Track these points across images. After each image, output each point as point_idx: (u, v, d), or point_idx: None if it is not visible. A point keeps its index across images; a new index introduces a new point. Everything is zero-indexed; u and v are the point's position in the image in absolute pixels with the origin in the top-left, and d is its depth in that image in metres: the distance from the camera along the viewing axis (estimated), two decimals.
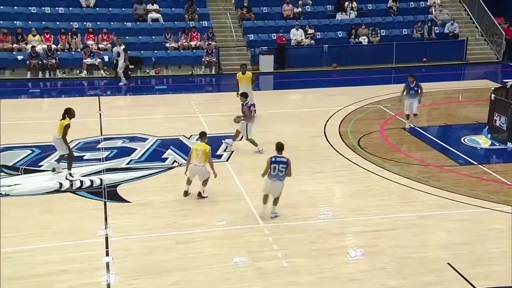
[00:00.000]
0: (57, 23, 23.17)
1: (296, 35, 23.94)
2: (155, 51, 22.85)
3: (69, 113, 11.94)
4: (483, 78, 22.55)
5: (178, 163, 12.78)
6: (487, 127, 15.18)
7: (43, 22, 23.04)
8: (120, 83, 20.86)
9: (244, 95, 13.73)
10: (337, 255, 9.04)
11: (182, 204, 10.84)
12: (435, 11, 26.11)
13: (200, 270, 8.52)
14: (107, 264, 8.72)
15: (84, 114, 16.94)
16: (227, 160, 13.14)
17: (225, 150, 13.56)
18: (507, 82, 16.55)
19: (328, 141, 14.50)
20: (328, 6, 26.08)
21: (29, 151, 13.33)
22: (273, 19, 25.02)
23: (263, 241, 9.43)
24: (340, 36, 24.77)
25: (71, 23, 23.18)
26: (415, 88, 15.28)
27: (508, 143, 14.17)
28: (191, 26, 23.73)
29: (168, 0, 25.12)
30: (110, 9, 24.27)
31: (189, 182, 11.06)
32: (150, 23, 24.07)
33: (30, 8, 23.51)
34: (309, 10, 25.73)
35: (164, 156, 13.35)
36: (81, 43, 22.50)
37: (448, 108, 17.82)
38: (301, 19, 24.86)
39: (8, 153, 13.31)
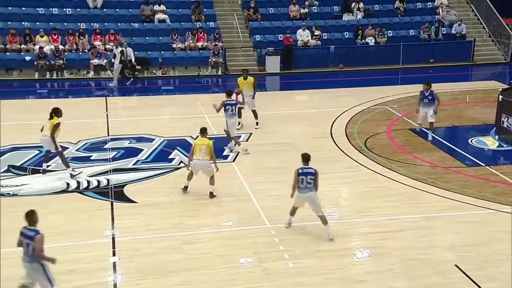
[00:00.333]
0: (65, 24, 23.28)
1: (303, 36, 23.92)
2: (162, 52, 22.93)
3: (57, 112, 12.16)
4: (490, 79, 22.46)
5: (185, 164, 12.80)
6: (494, 128, 15.11)
7: (51, 23, 23.15)
8: (111, 84, 20.86)
9: (229, 93, 13.83)
10: (343, 256, 9.03)
11: (188, 204, 10.87)
12: (442, 11, 26.00)
13: (207, 271, 8.54)
14: (114, 264, 8.76)
15: (91, 115, 17.08)
16: (233, 161, 13.15)
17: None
18: None
19: (334, 142, 14.48)
20: (334, 7, 26.04)
21: (37, 151, 13.38)
22: (280, 20, 25.02)
23: (270, 242, 9.43)
24: (346, 37, 24.73)
25: (79, 24, 23.28)
26: (429, 97, 14.30)
27: None
28: (198, 27, 23.77)
29: (175, 1, 25.19)
30: (117, 10, 24.36)
31: (189, 177, 11.14)
32: (157, 24, 24.13)
33: (38, 9, 23.64)
34: (315, 11, 25.71)
35: (171, 156, 13.39)
36: (88, 43, 22.60)
37: (456, 109, 17.75)
38: (308, 20, 24.84)
39: (15, 153, 13.38)
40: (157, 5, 24.36)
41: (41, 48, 21.46)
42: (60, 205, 10.87)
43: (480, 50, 25.19)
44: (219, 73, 22.69)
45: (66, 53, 22.11)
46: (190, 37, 23.44)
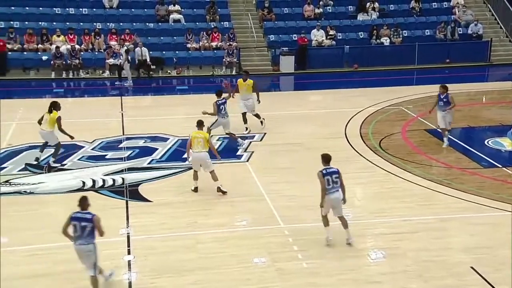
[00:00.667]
0: (81, 23, 23.50)
1: (317, 35, 23.87)
2: (177, 52, 23.03)
3: (55, 106, 12.53)
4: (507, 80, 22.20)
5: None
6: (511, 129, 14.94)
7: (67, 23, 23.39)
8: (126, 84, 20.93)
9: (218, 93, 13.85)
10: (357, 257, 8.99)
11: (202, 204, 10.90)
12: (458, 11, 25.78)
13: (221, 270, 8.56)
14: (129, 263, 8.82)
15: (106, 114, 17.21)
16: (247, 161, 13.17)
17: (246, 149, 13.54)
18: None
19: (349, 143, 14.43)
20: (349, 6, 25.95)
21: (53, 150, 13.50)
22: (294, 20, 24.99)
23: (283, 242, 9.42)
24: (361, 37, 24.63)
25: (95, 23, 23.49)
26: (444, 99, 13.86)
27: None
28: (213, 26, 23.83)
29: (190, 1, 25.28)
30: (133, 10, 24.52)
31: (195, 177, 11.25)
32: (172, 23, 24.24)
33: (54, 9, 23.90)
34: (330, 10, 25.65)
35: (185, 156, 13.41)
36: (104, 43, 22.79)
37: (472, 110, 17.58)
38: (322, 19, 24.80)
39: (32, 151, 13.53)
40: (172, 5, 24.48)
41: (57, 47, 21.68)
42: (75, 203, 10.94)
43: (497, 50, 24.94)
44: (233, 73, 22.73)
45: (82, 53, 22.32)
46: (204, 37, 23.52)
